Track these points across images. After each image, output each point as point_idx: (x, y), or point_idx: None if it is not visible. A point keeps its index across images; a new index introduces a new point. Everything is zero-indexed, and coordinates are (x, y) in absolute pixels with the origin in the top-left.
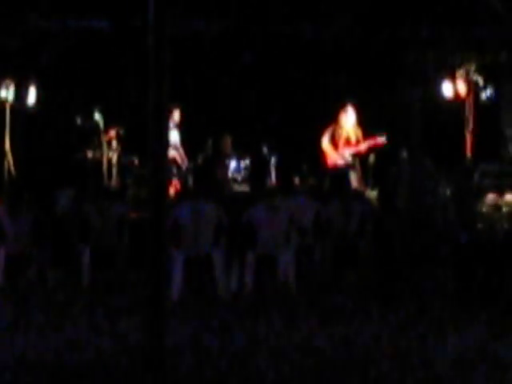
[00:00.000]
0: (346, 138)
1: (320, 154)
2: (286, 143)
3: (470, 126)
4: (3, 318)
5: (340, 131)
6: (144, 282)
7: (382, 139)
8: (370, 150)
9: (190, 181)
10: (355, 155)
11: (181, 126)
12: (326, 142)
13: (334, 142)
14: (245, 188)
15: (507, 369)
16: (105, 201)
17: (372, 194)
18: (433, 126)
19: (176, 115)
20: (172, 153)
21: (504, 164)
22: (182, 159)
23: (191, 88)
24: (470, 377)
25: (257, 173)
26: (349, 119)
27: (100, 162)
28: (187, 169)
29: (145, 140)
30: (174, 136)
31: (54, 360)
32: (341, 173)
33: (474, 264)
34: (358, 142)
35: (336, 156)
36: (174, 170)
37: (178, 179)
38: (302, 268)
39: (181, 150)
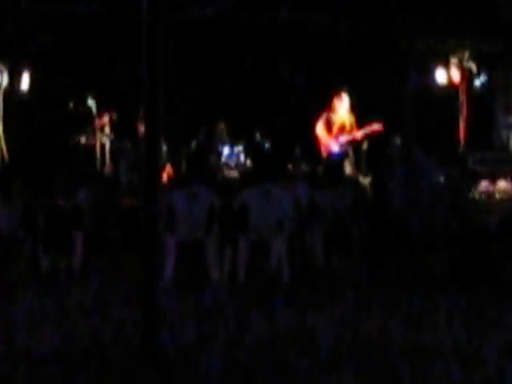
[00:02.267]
0: (340, 124)
1: (313, 140)
2: (279, 129)
3: (464, 112)
4: None
5: (334, 118)
6: (137, 267)
7: (378, 126)
8: (366, 137)
9: (184, 166)
10: (350, 142)
11: None
12: (320, 129)
13: (329, 129)
14: (238, 174)
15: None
16: (98, 186)
17: (365, 180)
18: (426, 113)
19: None
20: None
21: (497, 151)
22: None
23: (185, 75)
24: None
25: (250, 158)
26: (343, 106)
27: (93, 148)
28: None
29: (137, 125)
30: None
31: (48, 347)
32: (334, 159)
33: (466, 250)
34: (351, 128)
35: (330, 142)
36: None
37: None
38: (295, 254)
39: None
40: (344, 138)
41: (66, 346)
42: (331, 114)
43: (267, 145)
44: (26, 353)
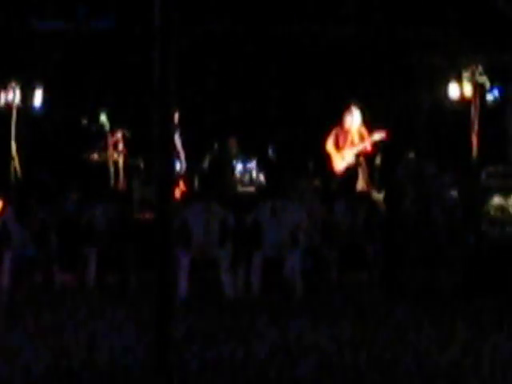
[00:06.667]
0: (351, 139)
1: (325, 155)
2: (291, 145)
3: (476, 127)
4: (11, 321)
5: (344, 133)
6: (151, 283)
7: (380, 135)
8: (373, 147)
9: (196, 182)
10: (358, 155)
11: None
12: (330, 145)
13: (338, 145)
14: (251, 189)
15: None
16: (111, 203)
17: (378, 196)
18: (439, 128)
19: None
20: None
21: (510, 165)
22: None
23: (197, 90)
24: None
25: (263, 174)
26: (354, 120)
27: (106, 164)
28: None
29: (151, 142)
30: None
31: (62, 363)
32: (347, 175)
33: (482, 265)
34: (362, 140)
35: (340, 158)
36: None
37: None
38: (309, 269)
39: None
40: (348, 153)
41: (79, 360)
42: (341, 129)
43: (279, 160)
44: (39, 366)
